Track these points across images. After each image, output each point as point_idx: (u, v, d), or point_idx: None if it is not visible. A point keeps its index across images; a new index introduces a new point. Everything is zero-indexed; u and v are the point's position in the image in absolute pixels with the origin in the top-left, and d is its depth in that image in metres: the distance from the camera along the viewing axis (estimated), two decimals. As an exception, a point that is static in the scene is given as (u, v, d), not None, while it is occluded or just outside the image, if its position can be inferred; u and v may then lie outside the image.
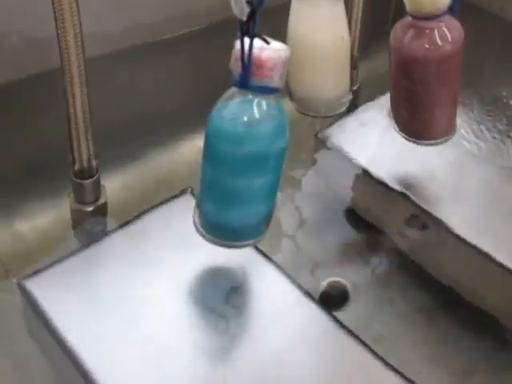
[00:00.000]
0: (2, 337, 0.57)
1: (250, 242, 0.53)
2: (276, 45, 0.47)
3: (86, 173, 0.61)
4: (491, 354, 0.58)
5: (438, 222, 0.61)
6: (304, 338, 0.53)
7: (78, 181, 0.61)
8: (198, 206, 0.53)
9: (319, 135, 0.71)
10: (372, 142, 0.70)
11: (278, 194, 0.53)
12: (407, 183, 0.66)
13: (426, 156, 0.67)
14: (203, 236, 0.53)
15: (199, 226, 0.53)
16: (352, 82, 0.72)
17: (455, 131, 0.64)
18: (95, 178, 0.61)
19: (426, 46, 0.58)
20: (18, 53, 0.77)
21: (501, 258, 0.58)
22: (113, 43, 0.82)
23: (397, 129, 0.64)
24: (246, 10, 0.45)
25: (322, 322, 0.53)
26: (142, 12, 0.83)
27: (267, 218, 0.53)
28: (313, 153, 0.73)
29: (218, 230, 0.52)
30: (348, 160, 0.68)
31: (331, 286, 0.62)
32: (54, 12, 0.53)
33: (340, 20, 0.68)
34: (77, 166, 0.60)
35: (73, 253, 0.57)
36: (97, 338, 0.51)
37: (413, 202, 0.63)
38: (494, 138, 0.70)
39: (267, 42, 0.46)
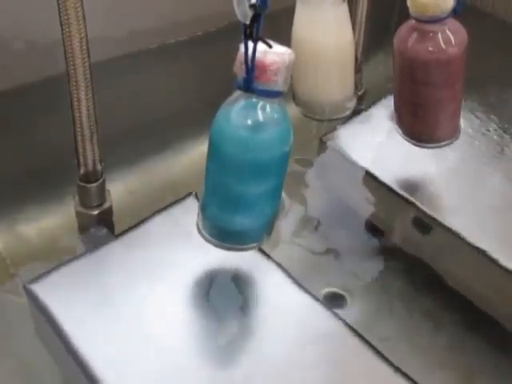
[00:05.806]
0: (9, 338, 0.57)
1: (254, 244, 0.54)
2: (280, 49, 0.47)
3: (91, 176, 0.61)
4: (495, 357, 0.58)
5: (442, 225, 0.61)
6: (309, 338, 0.53)
7: (84, 184, 0.61)
8: (202, 209, 0.53)
9: (324, 138, 0.71)
10: (377, 145, 0.70)
11: (282, 197, 0.53)
12: (411, 186, 0.66)
13: (430, 159, 0.67)
14: (207, 239, 0.53)
15: (203, 229, 0.53)
16: (356, 84, 0.72)
17: (459, 134, 0.64)
18: (100, 181, 0.61)
19: (430, 49, 0.58)
20: (23, 58, 0.77)
21: (504, 260, 0.58)
22: (117, 48, 0.82)
23: (400, 132, 0.65)
24: (249, 13, 0.45)
25: (328, 322, 0.53)
26: (147, 17, 0.84)
27: (271, 221, 0.53)
28: (317, 156, 0.73)
29: (222, 233, 0.52)
30: (352, 163, 0.68)
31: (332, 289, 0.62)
32: (60, 17, 0.53)
33: (344, 23, 0.68)
34: (82, 170, 0.60)
35: (78, 256, 0.57)
36: (103, 340, 0.52)
37: (417, 206, 0.63)
38: (498, 141, 0.70)
39: (270, 46, 0.46)
